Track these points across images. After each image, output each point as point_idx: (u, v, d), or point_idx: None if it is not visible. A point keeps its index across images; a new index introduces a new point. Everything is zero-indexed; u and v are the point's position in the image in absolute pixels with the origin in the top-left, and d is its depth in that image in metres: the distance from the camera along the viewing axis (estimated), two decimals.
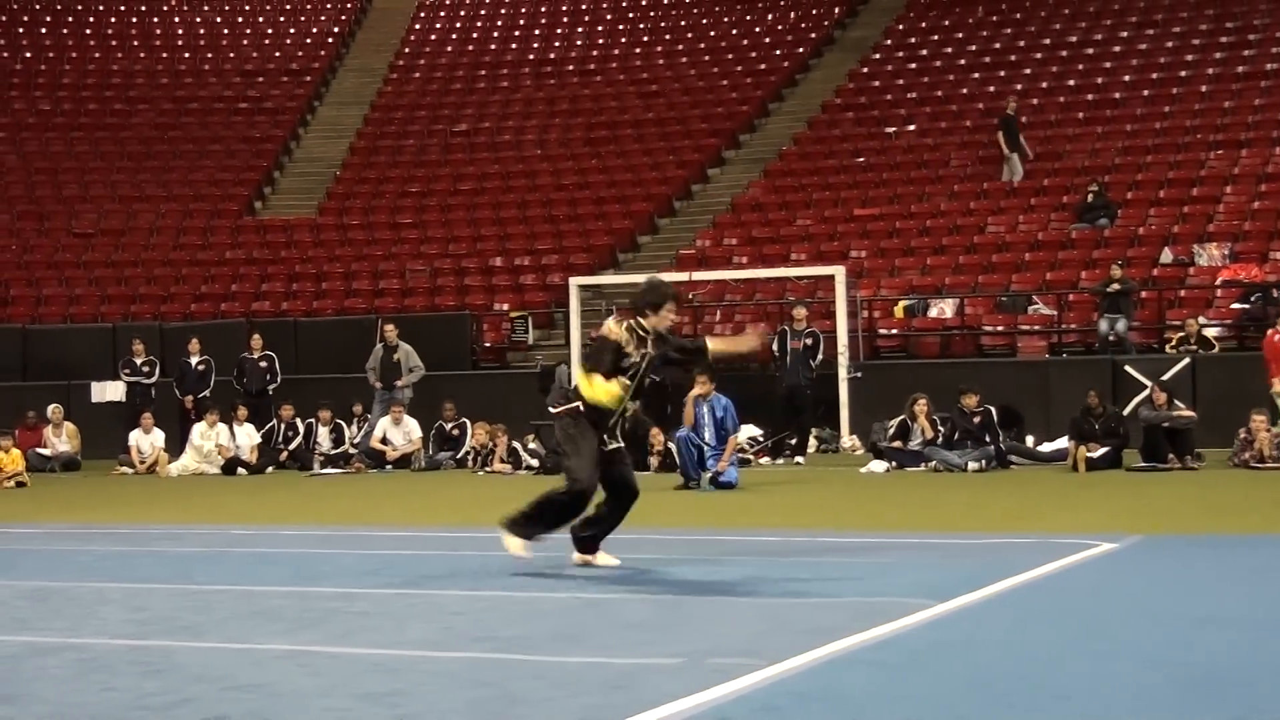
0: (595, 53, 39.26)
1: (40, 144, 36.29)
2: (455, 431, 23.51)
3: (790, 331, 22.79)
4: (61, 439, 24.56)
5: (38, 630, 8.41)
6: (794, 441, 22.41)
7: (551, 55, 39.46)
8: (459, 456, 23.18)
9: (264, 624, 8.51)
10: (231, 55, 40.35)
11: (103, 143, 36.44)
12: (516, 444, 22.13)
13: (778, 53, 37.58)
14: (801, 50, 37.38)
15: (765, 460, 22.03)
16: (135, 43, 40.52)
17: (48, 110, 37.53)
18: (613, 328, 10.37)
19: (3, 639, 8.13)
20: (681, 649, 7.27)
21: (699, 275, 27.18)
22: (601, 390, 10.05)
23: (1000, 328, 25.93)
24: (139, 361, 25.44)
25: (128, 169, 35.56)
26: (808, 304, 24.52)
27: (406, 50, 40.41)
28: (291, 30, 41.40)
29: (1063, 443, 20.66)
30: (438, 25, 41.44)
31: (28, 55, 39.51)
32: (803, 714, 6.05)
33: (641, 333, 10.21)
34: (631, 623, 8.28)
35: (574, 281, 26.14)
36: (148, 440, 23.79)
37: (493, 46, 40.23)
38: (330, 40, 40.96)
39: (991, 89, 33.77)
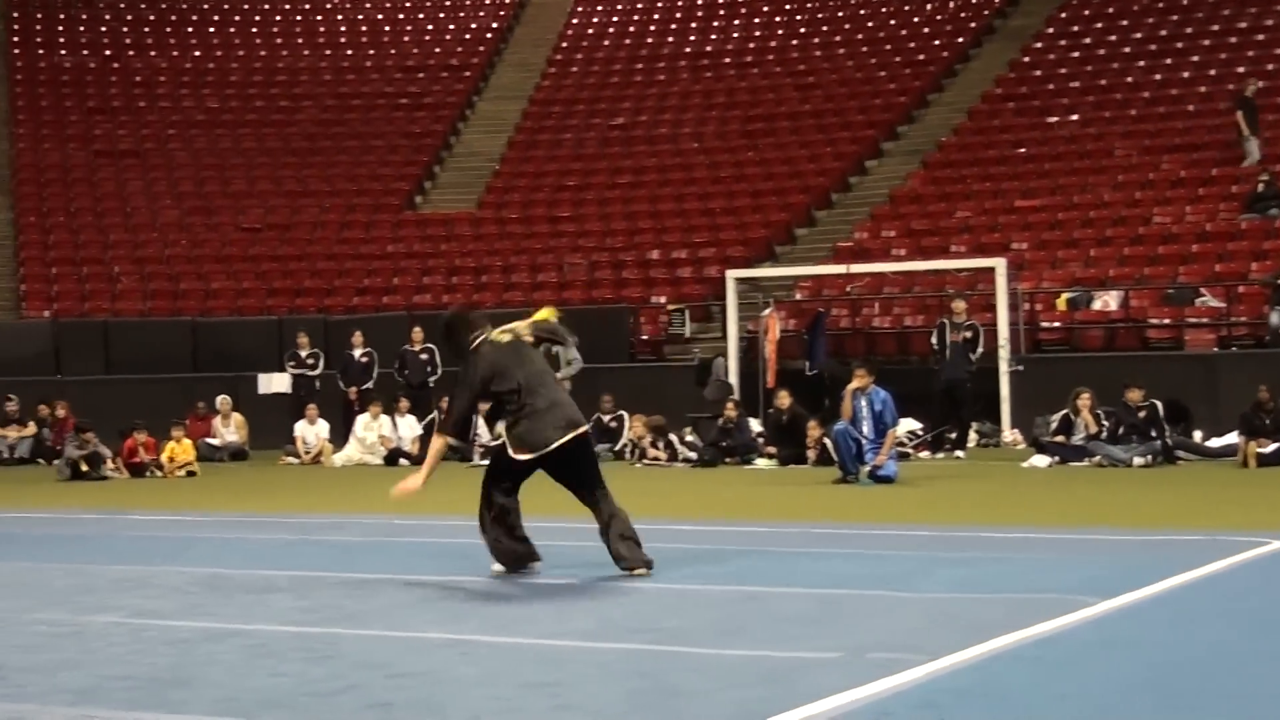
0: (752, 45, 39.18)
1: (209, 141, 37.08)
2: (613, 424, 23.62)
3: (950, 324, 22.57)
4: (230, 429, 25.08)
5: (209, 616, 8.61)
6: (954, 435, 22.20)
7: (708, 48, 39.45)
8: (617, 448, 23.28)
9: (425, 613, 8.63)
10: (393, 52, 40.89)
11: (268, 139, 37.14)
12: (673, 436, 22.18)
13: (936, 43, 37.22)
14: (961, 40, 36.99)
15: (924, 454, 21.84)
16: (300, 40, 41.23)
17: (216, 108, 38.34)
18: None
19: (177, 624, 8.34)
20: (840, 643, 7.24)
21: (857, 268, 27.02)
22: None
23: (1167, 320, 25.41)
24: (304, 354, 25.91)
25: (293, 165, 36.21)
26: (967, 296, 24.25)
27: (564, 45, 40.65)
28: (451, 26, 41.84)
29: (1232, 438, 20.22)
30: (595, 19, 41.64)
31: (196, 54, 40.38)
32: (963, 711, 6.01)
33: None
34: (790, 616, 8.26)
35: (731, 274, 26.11)
36: (312, 431, 24.22)
37: (650, 40, 40.32)
38: (489, 35, 41.34)
39: (1157, 76, 33.13)
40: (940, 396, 22.53)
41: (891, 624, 7.92)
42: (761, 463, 21.17)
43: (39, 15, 40.72)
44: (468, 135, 37.89)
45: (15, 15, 40.50)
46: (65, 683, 6.80)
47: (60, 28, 40.66)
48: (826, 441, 19.43)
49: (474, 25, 41.84)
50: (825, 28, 39.15)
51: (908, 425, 21.37)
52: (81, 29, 40.70)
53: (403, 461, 23.24)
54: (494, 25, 41.77)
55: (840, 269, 27.16)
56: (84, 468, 21.09)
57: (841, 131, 34.74)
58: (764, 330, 24.69)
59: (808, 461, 20.45)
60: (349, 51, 40.95)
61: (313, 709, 6.20)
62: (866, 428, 17.99)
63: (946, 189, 31.34)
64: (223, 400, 25.30)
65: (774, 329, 24.62)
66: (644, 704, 6.14)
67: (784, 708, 5.89)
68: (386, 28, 41.79)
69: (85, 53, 40.03)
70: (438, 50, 40.91)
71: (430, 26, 41.86)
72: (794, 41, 38.94)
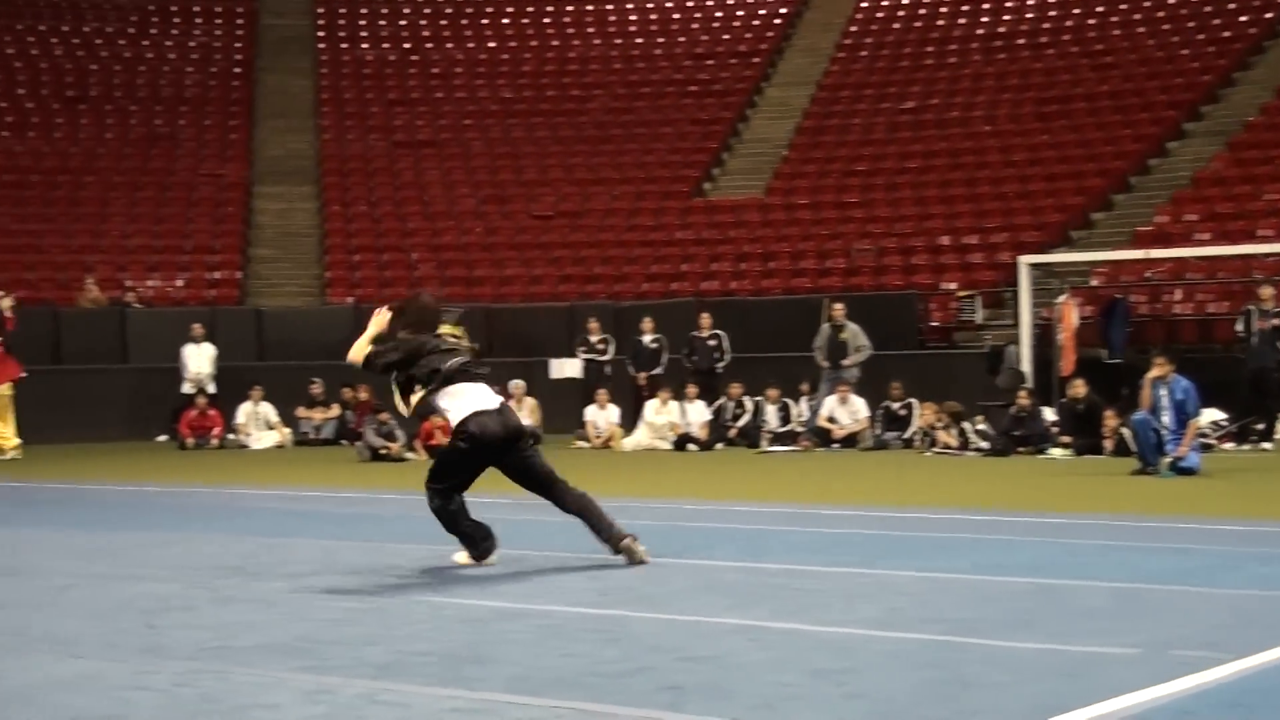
0: (1047, 25, 38.30)
1: (502, 130, 37.85)
2: (902, 411, 23.38)
3: (1257, 311, 21.76)
4: (523, 413, 25.52)
5: (504, 596, 8.79)
6: (1261, 426, 21.39)
7: (1001, 29, 38.71)
8: (906, 436, 23.05)
9: (715, 598, 8.65)
10: (682, 39, 41.14)
11: (560, 128, 37.74)
12: (965, 424, 21.85)
13: (1243, 18, 35.84)
14: (1269, 15, 35.54)
15: (1229, 446, 21.09)
16: (591, 30, 41.79)
17: (510, 98, 39.11)
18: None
19: (472, 603, 8.53)
20: (1139, 639, 7.03)
21: (1157, 253, 26.20)
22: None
23: None
24: (594, 339, 26.27)
25: (584, 153, 36.73)
26: (1276, 282, 23.32)
27: (853, 29, 40.35)
28: (740, 13, 41.91)
29: None
30: (884, 2, 41.21)
31: (492, 45, 41.25)
32: (1270, 713, 5.77)
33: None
34: (1087, 610, 8.05)
35: (1024, 260, 25.57)
36: (603, 416, 24.55)
37: (940, 21, 39.75)
38: (778, 21, 41.28)
39: None
40: (1246, 386, 21.75)
41: (1194, 620, 7.66)
42: (1056, 452, 20.72)
43: (343, 10, 42.10)
44: (756, 121, 37.91)
45: (321, 11, 41.94)
46: (368, 657, 7.01)
47: (362, 21, 41.96)
48: (1124, 431, 18.93)
49: (762, 11, 41.82)
50: (1124, 5, 38.04)
51: (1211, 415, 20.64)
52: (383, 22, 41.94)
53: (691, 447, 23.38)
54: (782, 10, 41.68)
55: (1139, 254, 26.36)
56: (383, 450, 21.75)
57: (1141, 112, 33.73)
58: (1059, 317, 24.13)
59: (1104, 452, 19.96)
60: (639, 40, 41.35)
61: (604, 689, 6.27)
62: (1167, 418, 17.44)
63: (1253, 170, 30.17)
64: (516, 384, 25.78)
65: (1070, 316, 24.04)
66: (935, 695, 6.05)
67: (1080, 703, 5.74)
68: (675, 16, 42.08)
69: (386, 45, 41.24)
70: (726, 37, 41.02)
71: (719, 13, 41.98)
72: (1091, 20, 37.95)
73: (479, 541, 10.26)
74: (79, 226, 32.98)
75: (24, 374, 22.86)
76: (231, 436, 25.27)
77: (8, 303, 23.06)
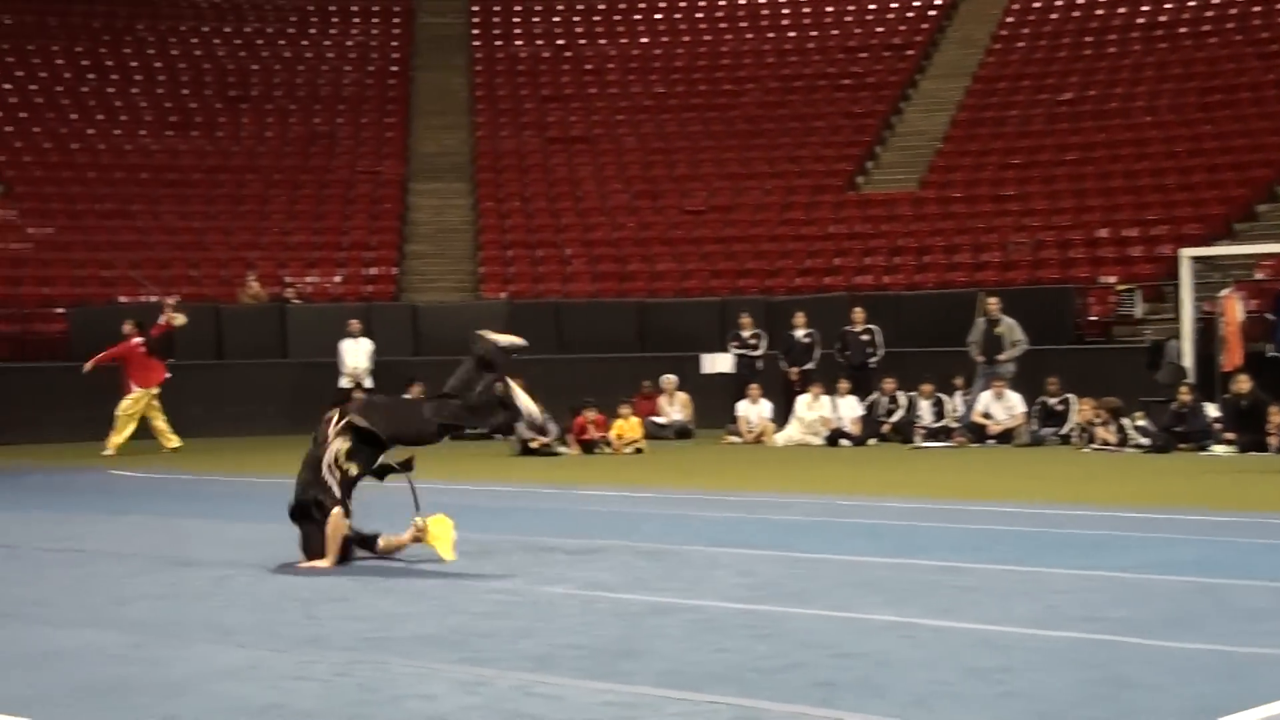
0: (1210, 13, 37.48)
1: (655, 125, 37.92)
2: (1059, 407, 23.05)
3: None
4: (675, 408, 25.61)
5: (656, 590, 8.81)
6: None
7: (1162, 17, 37.95)
8: (1063, 432, 22.72)
9: (868, 594, 8.60)
10: (835, 32, 40.90)
11: (712, 122, 37.72)
12: (1124, 420, 21.48)
13: None
14: None
15: None
16: (743, 24, 41.69)
17: (662, 93, 39.17)
18: None
19: (625, 597, 8.57)
20: None
21: None
22: None
23: None
24: (746, 334, 26.22)
25: (735, 147, 36.67)
26: None
27: (1009, 19, 39.82)
28: (894, 5, 41.54)
29: None
30: None
31: (644, 41, 41.34)
32: None
33: None
34: (1250, 610, 7.88)
35: (1185, 253, 25.05)
36: (755, 411, 24.51)
37: (1099, 11, 39.05)
38: (932, 13, 40.87)
39: None
40: None
41: None
42: (1218, 449, 20.30)
43: (498, 7, 42.44)
44: (910, 114, 37.57)
45: (476, 9, 42.32)
46: (522, 649, 7.07)
47: (517, 19, 42.27)
48: None
49: (916, 3, 41.41)
50: None
51: None
52: (537, 19, 42.21)
53: (843, 442, 23.25)
54: (937, 2, 41.25)
55: None
56: (534, 443, 21.92)
57: None
58: (1221, 311, 23.62)
59: (1269, 449, 19.50)
60: (791, 34, 41.17)
61: (757, 685, 6.26)
62: None
63: None
64: (668, 379, 25.84)
65: (1233, 310, 23.51)
66: (1094, 695, 5.96)
67: (1243, 706, 5.63)
68: (829, 9, 41.81)
69: (540, 42, 41.51)
70: (880, 30, 40.69)
71: (872, 6, 41.65)
72: (1256, 7, 37.03)
73: None
74: (240, 224, 33.62)
75: (168, 375, 23.28)
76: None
77: (171, 302, 23.54)
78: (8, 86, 36.76)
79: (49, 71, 37.70)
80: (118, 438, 22.41)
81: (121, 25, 39.85)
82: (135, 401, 22.65)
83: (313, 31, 41.16)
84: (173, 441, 22.68)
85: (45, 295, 29.33)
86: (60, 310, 28.43)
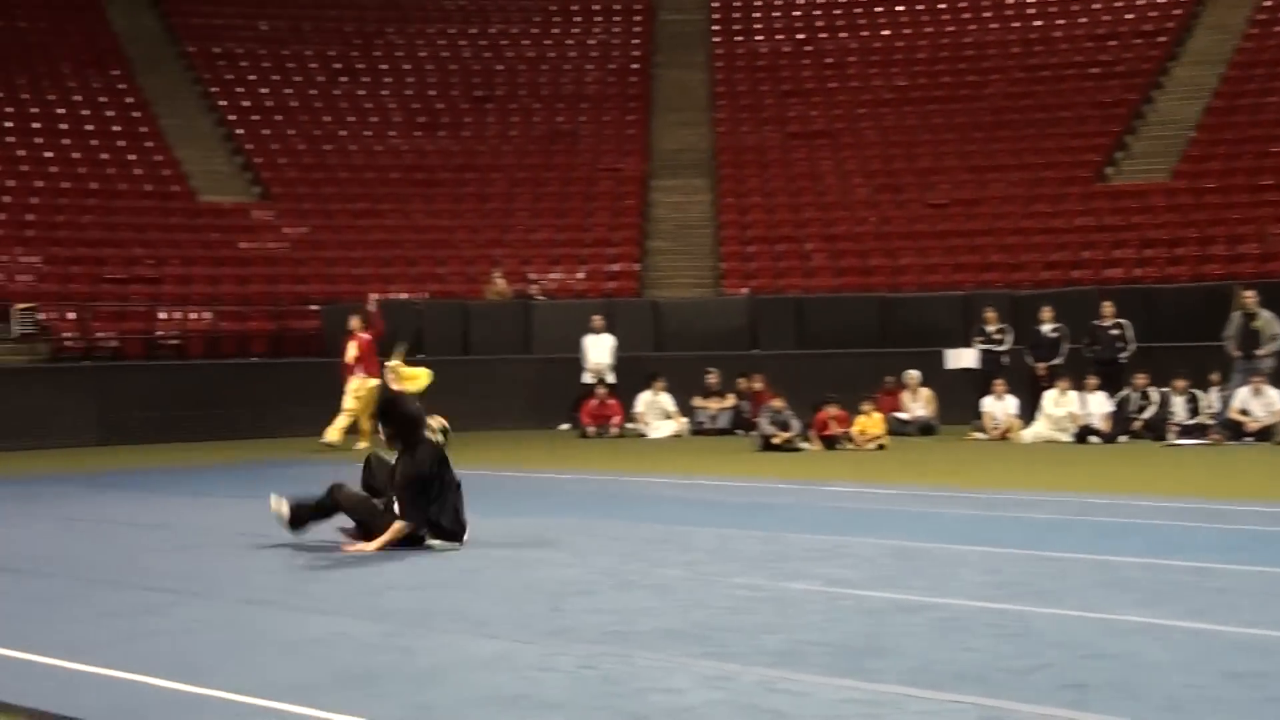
0: None
1: (897, 118, 37.55)
2: None
3: None
4: (918, 404, 25.34)
5: (900, 588, 8.73)
6: None
7: None
8: None
9: (1119, 594, 8.41)
10: (1083, 20, 40.00)
11: (956, 114, 37.21)
12: None
13: None
14: None
15: None
16: (987, 13, 41.04)
17: (904, 85, 38.77)
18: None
19: (869, 594, 8.51)
20: None
21: None
22: None
23: None
24: (991, 329, 25.82)
25: (980, 139, 36.13)
26: None
27: (1267, 3, 38.49)
28: None
29: None
30: None
31: (885, 33, 40.96)
32: None
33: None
34: None
35: None
36: (1000, 407, 24.12)
37: None
38: None
39: None
40: None
41: None
42: None
43: (738, 3, 42.45)
44: (1162, 103, 36.57)
45: (716, 5, 42.41)
46: (765, 645, 7.07)
47: (757, 14, 42.24)
48: None
49: None
50: None
51: None
52: (777, 14, 42.13)
53: (1092, 439, 22.75)
54: None
55: None
56: (776, 439, 21.89)
57: None
58: None
59: None
60: (1037, 22, 40.39)
61: (1005, 685, 6.16)
62: None
63: None
64: (911, 375, 25.57)
65: None
66: None
67: None
68: None
69: (780, 37, 41.43)
70: (1130, 16, 39.69)
71: None
72: None
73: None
74: (486, 222, 34.23)
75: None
76: (630, 425, 25.82)
77: (374, 300, 23.95)
78: (264, 91, 38.00)
79: (303, 76, 38.87)
80: (343, 425, 22.89)
81: (372, 29, 40.90)
82: (370, 391, 23.01)
83: (555, 31, 41.71)
84: (336, 439, 22.93)
85: (300, 293, 30.24)
86: (314, 307, 29.29)
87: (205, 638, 7.56)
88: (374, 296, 24.73)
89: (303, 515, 11.22)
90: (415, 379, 10.99)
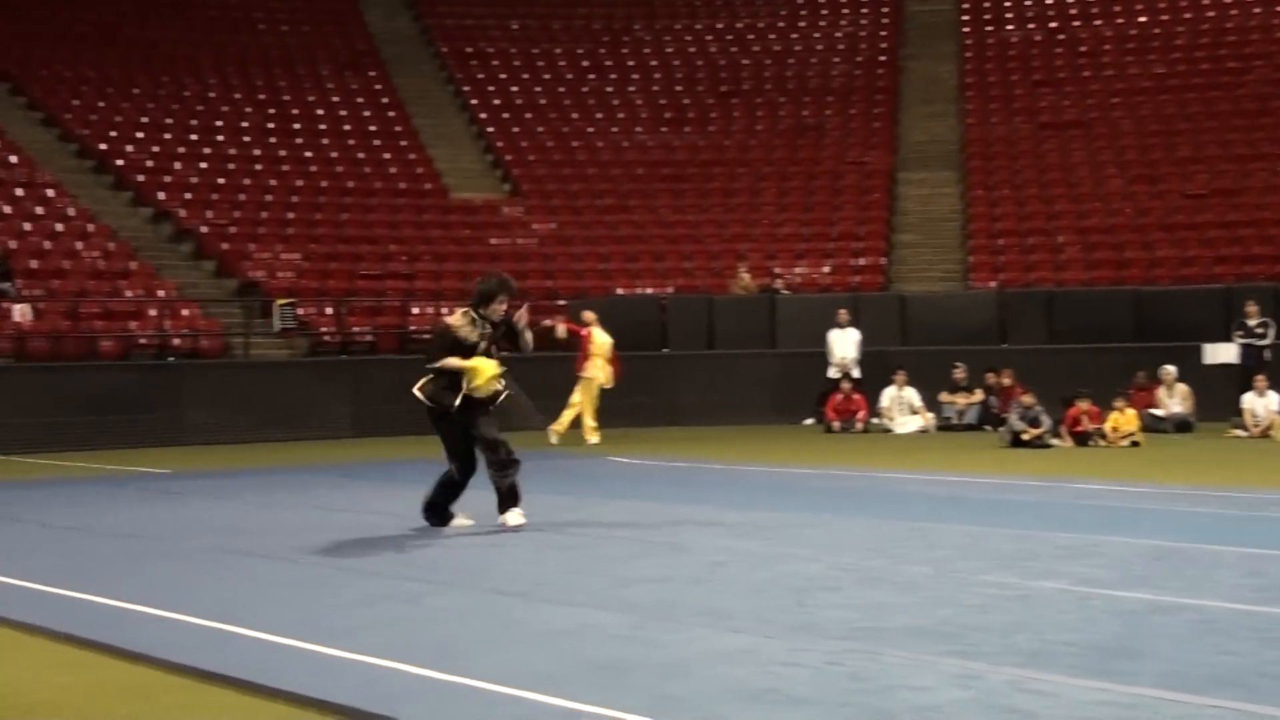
0: None
1: (1153, 107, 36.57)
2: None
3: None
4: (1174, 400, 24.66)
5: (1155, 588, 8.52)
6: None
7: None
8: None
9: None
10: None
11: (1216, 102, 36.09)
12: None
13: None
14: None
15: None
16: None
17: (1162, 73, 37.74)
18: (452, 318, 12.05)
19: (1122, 594, 8.31)
20: None
21: None
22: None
23: None
24: (1252, 323, 25.01)
25: (1241, 127, 34.98)
26: None
27: None
28: None
29: None
30: None
31: (1142, 20, 39.92)
32: None
33: (478, 318, 11.85)
34: None
35: None
36: (1261, 403, 23.34)
37: None
38: None
39: None
40: None
41: None
42: None
43: None
44: None
45: None
46: (1015, 644, 6.96)
47: (1008, 3, 41.50)
48: None
49: None
50: None
51: None
52: (1028, 2, 41.34)
53: None
54: None
55: None
56: (1025, 435, 21.51)
57: None
58: None
59: None
60: None
61: (1267, 691, 5.97)
62: None
63: None
64: (1167, 370, 24.90)
65: None
66: None
67: None
68: None
69: (1031, 26, 40.66)
70: None
71: None
72: None
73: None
74: (731, 216, 34.30)
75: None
76: (876, 421, 25.63)
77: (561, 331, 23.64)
78: (514, 89, 38.66)
79: (552, 73, 39.43)
80: (589, 419, 23.06)
81: (620, 26, 41.30)
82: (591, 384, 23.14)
83: (802, 24, 41.60)
84: (555, 436, 22.98)
85: (548, 287, 30.69)
86: (562, 302, 29.68)
87: (456, 626, 7.73)
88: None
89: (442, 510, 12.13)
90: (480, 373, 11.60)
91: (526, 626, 7.67)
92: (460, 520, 12.13)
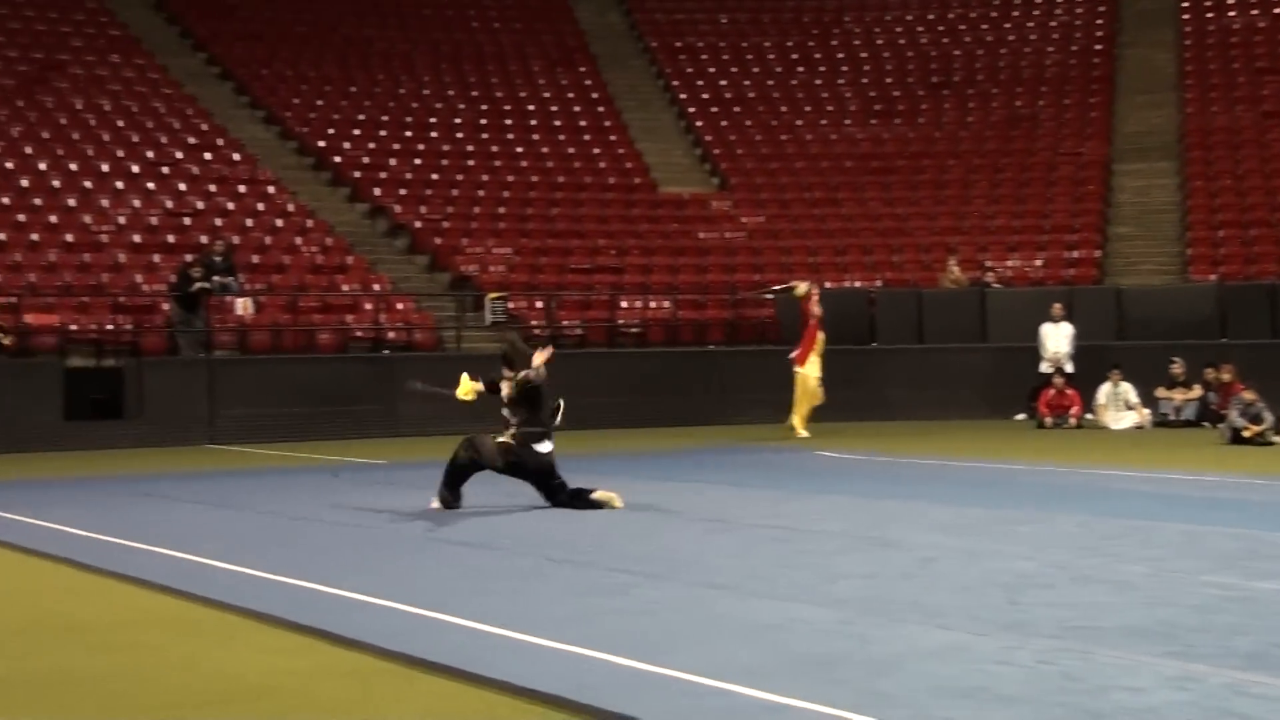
0: None
1: None
2: None
3: None
4: None
5: None
6: None
7: None
8: None
9: None
10: None
11: None
12: None
13: None
14: None
15: None
16: None
17: None
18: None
19: None
20: None
21: None
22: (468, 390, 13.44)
23: None
24: None
25: None
26: None
27: None
28: None
29: None
30: None
31: None
32: None
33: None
34: None
35: None
36: None
37: None
38: None
39: None
40: None
41: None
42: None
43: None
44: None
45: None
46: (1235, 647, 6.78)
47: None
48: None
49: None
50: None
51: None
52: None
53: None
54: None
55: None
56: (1246, 432, 20.92)
57: None
58: None
59: None
60: None
61: None
62: None
63: None
64: None
65: None
66: None
67: None
68: None
69: (1254, 11, 39.48)
70: None
71: None
72: None
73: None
74: (942, 209, 33.90)
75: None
76: (1090, 416, 25.12)
77: (802, 289, 23.53)
78: (723, 83, 38.70)
79: (761, 67, 39.39)
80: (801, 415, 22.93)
81: (829, 18, 41.09)
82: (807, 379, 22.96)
83: (1015, 13, 40.95)
84: (803, 430, 22.84)
85: (756, 281, 30.66)
86: (769, 295, 29.66)
87: (664, 618, 7.77)
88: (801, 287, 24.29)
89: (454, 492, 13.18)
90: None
91: (734, 620, 7.68)
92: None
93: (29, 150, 29.93)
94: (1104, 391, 25.15)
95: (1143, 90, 37.57)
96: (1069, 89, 38.07)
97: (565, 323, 28.43)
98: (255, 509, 13.71)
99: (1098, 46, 39.50)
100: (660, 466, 17.99)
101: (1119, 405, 24.99)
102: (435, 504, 13.22)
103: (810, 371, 22.96)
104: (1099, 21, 40.26)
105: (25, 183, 28.72)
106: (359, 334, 26.61)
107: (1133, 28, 39.83)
